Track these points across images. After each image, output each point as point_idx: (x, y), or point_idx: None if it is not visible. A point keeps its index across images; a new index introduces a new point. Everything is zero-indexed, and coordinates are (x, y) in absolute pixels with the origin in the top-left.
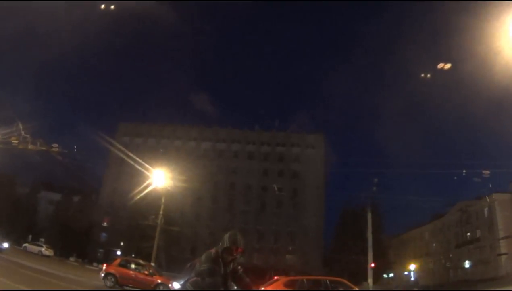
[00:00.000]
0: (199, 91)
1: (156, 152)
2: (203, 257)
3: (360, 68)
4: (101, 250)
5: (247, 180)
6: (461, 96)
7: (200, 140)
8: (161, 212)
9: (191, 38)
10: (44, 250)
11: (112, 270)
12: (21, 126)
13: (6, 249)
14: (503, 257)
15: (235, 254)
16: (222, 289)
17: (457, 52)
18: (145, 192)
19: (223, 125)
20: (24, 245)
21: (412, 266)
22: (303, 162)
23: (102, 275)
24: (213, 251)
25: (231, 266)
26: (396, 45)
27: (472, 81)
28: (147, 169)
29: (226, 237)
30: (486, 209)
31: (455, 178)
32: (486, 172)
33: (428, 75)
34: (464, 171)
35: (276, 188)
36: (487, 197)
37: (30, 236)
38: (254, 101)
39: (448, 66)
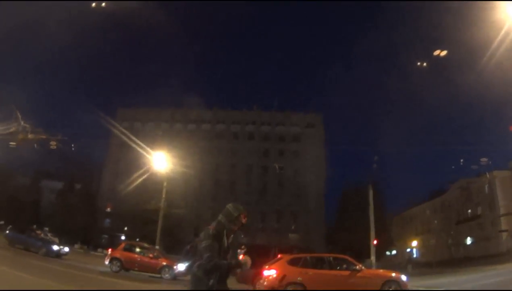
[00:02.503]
0: (197, 73)
1: (156, 136)
2: (202, 234)
3: (360, 48)
4: (105, 236)
5: (248, 160)
6: (461, 76)
7: (199, 122)
8: (163, 196)
9: (188, 20)
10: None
11: (117, 255)
12: (20, 116)
13: (66, 253)
14: (504, 234)
15: (243, 221)
16: (215, 261)
17: (456, 35)
18: (147, 176)
19: (222, 106)
20: None
21: (414, 243)
22: (303, 141)
23: (108, 260)
24: (211, 227)
25: (231, 238)
26: (397, 26)
27: (472, 62)
28: (147, 153)
29: (230, 207)
30: (486, 186)
31: (456, 155)
32: (484, 160)
33: (425, 63)
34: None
35: (277, 167)
36: (487, 174)
37: (35, 226)
38: (252, 81)
39: (444, 53)
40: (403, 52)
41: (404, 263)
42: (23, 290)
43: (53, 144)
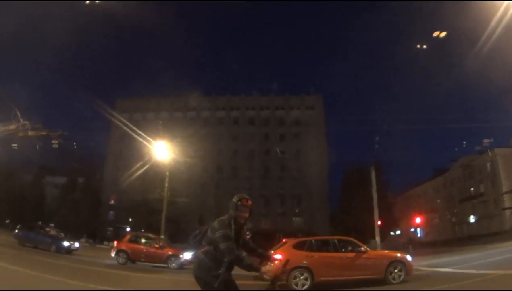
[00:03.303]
0: (195, 60)
1: (156, 125)
2: (216, 224)
3: (359, 29)
4: (110, 228)
5: (249, 145)
6: (462, 53)
7: (199, 109)
8: (166, 185)
9: (184, 7)
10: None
11: (123, 247)
12: (19, 113)
13: (77, 248)
14: (508, 211)
15: (247, 205)
16: (237, 252)
17: (456, 13)
18: (149, 166)
19: (221, 93)
20: None
21: (418, 220)
22: (304, 124)
23: (114, 252)
24: (225, 218)
25: (244, 230)
26: (397, 7)
27: (473, 39)
28: (149, 143)
29: (234, 197)
30: (488, 163)
31: (459, 133)
32: (487, 141)
33: (425, 46)
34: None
35: (278, 152)
36: (489, 152)
37: (40, 222)
38: (250, 66)
39: (443, 34)
40: (404, 31)
41: (405, 243)
42: (34, 290)
43: (55, 143)
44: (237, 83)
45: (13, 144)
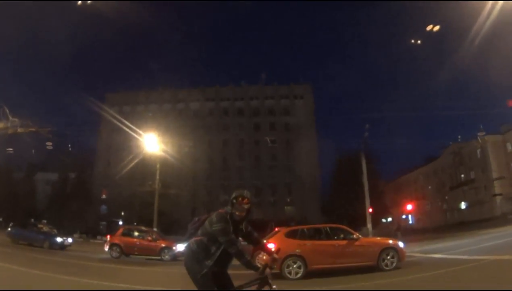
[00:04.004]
0: (182, 52)
1: (146, 118)
2: (214, 217)
3: (348, 17)
4: (103, 223)
5: (240, 136)
6: (452, 41)
7: (188, 101)
8: (157, 177)
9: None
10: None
11: (116, 241)
12: (7, 111)
13: (70, 244)
14: (498, 198)
15: (243, 203)
16: (239, 247)
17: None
18: (140, 158)
19: (209, 84)
20: None
21: (409, 207)
22: (293, 113)
23: (107, 246)
24: (223, 211)
25: (243, 225)
26: None
27: (464, 27)
28: (139, 136)
29: (233, 193)
30: (478, 150)
31: (450, 120)
32: (482, 134)
33: (419, 40)
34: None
35: (269, 141)
36: (479, 139)
37: (32, 219)
38: (238, 56)
39: (437, 28)
40: (396, 22)
41: (395, 230)
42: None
43: (49, 144)
44: (225, 74)
45: (8, 149)
